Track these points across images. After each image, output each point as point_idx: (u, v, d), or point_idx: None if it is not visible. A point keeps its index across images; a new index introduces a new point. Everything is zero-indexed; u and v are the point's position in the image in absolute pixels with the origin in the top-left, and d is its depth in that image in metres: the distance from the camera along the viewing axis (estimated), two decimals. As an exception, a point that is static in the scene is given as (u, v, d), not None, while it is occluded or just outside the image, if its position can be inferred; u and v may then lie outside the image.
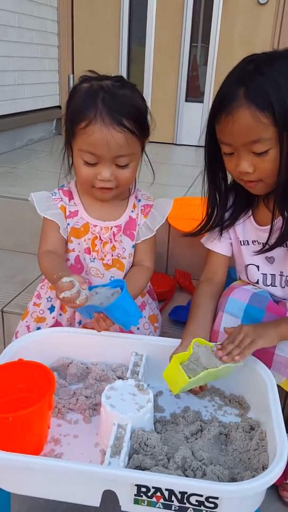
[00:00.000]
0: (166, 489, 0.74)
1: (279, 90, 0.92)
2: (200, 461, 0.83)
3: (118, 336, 1.10)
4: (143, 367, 1.02)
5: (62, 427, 0.95)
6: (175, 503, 0.75)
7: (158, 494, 0.75)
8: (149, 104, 1.12)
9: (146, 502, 0.76)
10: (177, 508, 0.76)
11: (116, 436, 0.83)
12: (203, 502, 0.74)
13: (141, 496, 0.76)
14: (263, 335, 0.97)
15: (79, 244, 1.22)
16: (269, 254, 1.14)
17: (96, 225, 1.20)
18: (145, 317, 1.30)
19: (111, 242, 1.21)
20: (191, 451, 0.85)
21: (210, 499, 0.74)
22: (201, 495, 0.74)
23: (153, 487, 0.75)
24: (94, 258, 1.22)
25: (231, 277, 1.28)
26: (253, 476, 0.78)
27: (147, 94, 3.13)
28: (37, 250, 1.20)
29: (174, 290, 1.66)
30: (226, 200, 1.17)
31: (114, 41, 3.11)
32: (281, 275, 1.15)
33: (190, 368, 0.94)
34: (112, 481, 0.77)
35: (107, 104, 1.03)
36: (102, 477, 0.76)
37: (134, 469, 0.80)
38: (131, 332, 1.17)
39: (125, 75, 3.14)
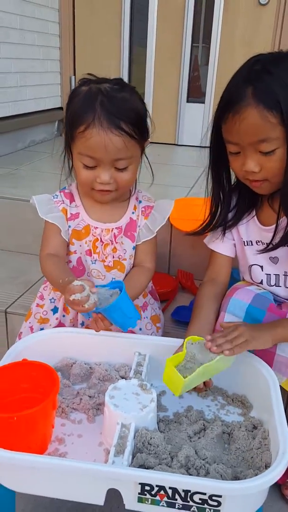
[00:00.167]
0: (170, 488, 0.75)
1: (286, 90, 0.93)
2: (203, 459, 0.84)
3: (121, 336, 1.10)
4: (146, 367, 1.03)
5: (66, 427, 0.96)
6: (179, 501, 0.76)
7: (162, 492, 0.76)
8: (150, 104, 1.13)
9: (150, 500, 0.77)
10: (180, 506, 0.76)
11: (119, 435, 0.84)
12: (207, 500, 0.75)
13: (145, 495, 0.76)
14: (257, 337, 0.97)
15: (80, 246, 1.22)
16: (273, 254, 1.14)
17: (97, 227, 1.21)
18: (147, 317, 1.30)
19: (112, 244, 1.22)
20: (195, 450, 0.85)
21: (214, 497, 0.74)
22: (205, 493, 0.74)
23: (156, 486, 0.75)
24: (95, 260, 1.22)
25: (233, 277, 1.28)
26: (256, 475, 0.79)
27: (149, 94, 3.13)
28: (39, 251, 1.20)
29: (176, 291, 1.66)
30: (230, 200, 1.18)
31: (115, 42, 3.11)
32: (285, 275, 1.15)
33: (188, 368, 0.94)
34: (116, 479, 0.77)
35: (105, 108, 1.03)
36: (106, 476, 0.77)
37: (138, 468, 0.80)
38: (133, 332, 1.18)
39: (126, 76, 3.15)
